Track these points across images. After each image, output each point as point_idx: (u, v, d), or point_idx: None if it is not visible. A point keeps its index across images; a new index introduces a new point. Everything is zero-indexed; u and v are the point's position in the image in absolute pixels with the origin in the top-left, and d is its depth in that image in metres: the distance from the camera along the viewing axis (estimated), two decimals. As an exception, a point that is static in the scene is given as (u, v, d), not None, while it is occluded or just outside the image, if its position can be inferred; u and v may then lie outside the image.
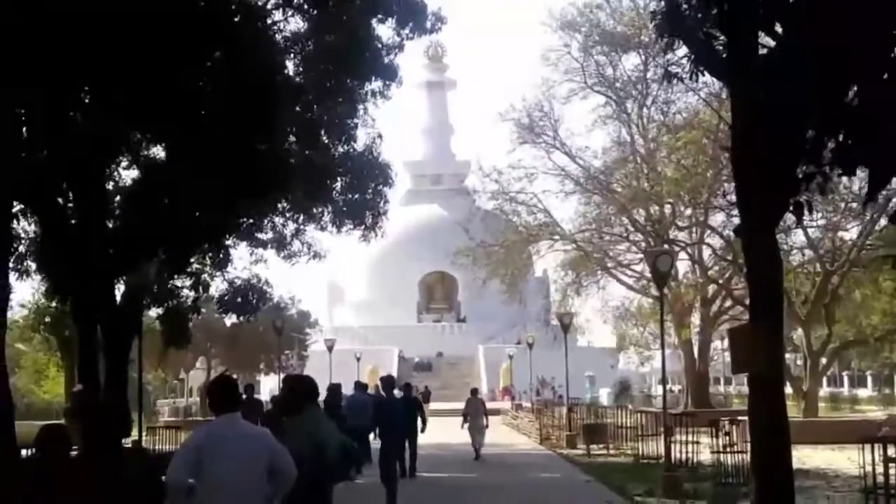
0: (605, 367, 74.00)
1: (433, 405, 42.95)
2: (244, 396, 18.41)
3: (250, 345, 55.55)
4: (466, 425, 25.16)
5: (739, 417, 19.74)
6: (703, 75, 9.23)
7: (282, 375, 52.32)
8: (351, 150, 19.04)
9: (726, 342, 45.42)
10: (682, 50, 9.29)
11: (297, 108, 17.09)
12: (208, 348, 60.04)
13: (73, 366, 29.90)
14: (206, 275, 19.20)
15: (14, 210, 15.83)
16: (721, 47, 8.84)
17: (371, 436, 18.45)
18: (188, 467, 5.96)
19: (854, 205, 33.72)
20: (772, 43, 8.71)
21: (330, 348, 61.78)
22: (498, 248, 42.68)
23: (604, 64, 41.66)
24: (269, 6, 16.83)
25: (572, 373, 37.05)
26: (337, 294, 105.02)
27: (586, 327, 55.69)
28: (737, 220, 10.77)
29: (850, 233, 36.14)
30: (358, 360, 67.56)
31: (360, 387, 23.30)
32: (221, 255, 18.72)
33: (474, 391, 26.56)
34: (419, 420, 19.85)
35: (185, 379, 67.41)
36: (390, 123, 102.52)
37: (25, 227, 17.86)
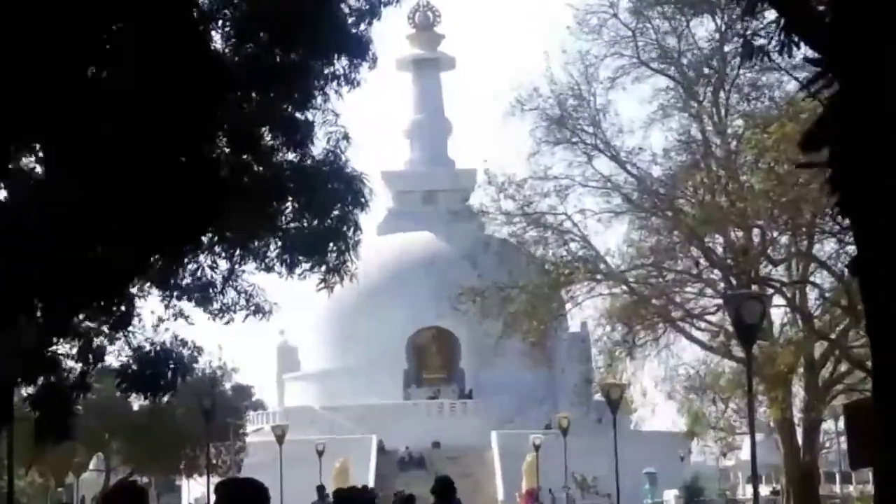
0: (672, 459, 73.88)
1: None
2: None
3: (166, 436, 55.36)
4: None
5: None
6: (799, 48, 9.21)
7: (214, 479, 52.16)
8: (306, 156, 19.01)
9: (842, 423, 45.36)
10: (770, 12, 9.29)
11: (227, 98, 17.10)
12: (106, 441, 59.86)
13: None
14: (101, 337, 19.13)
15: None
16: (824, 8, 8.84)
17: None
18: None
19: None
20: None
21: (280, 438, 61.66)
22: (517, 293, 42.67)
23: (665, 31, 41.81)
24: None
25: (625, 468, 36.94)
26: (290, 361, 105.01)
27: (643, 404, 55.50)
28: (852, 250, 10.76)
29: None
30: (320, 454, 67.36)
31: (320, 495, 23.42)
32: (123, 310, 18.66)
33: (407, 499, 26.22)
34: None
35: (73, 485, 67.17)
36: (362, 119, 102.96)
37: None
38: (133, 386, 19.70)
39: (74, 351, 19.03)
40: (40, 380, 18.95)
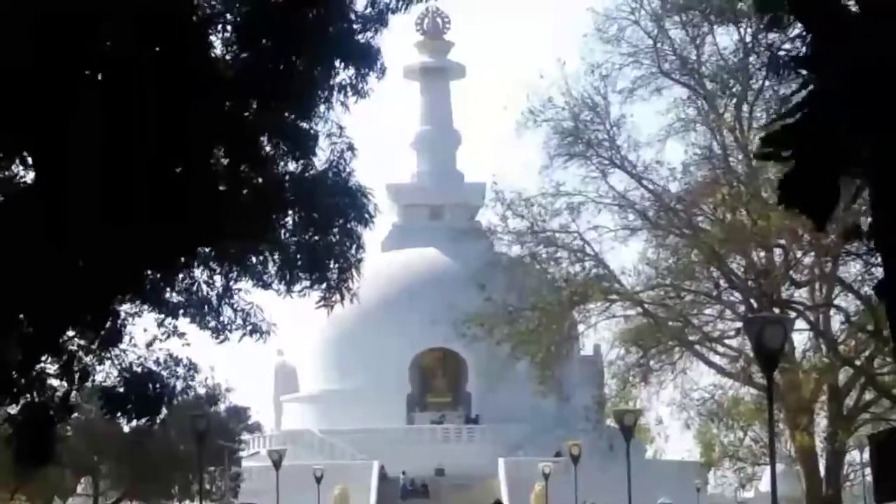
0: (688, 490, 73.65)
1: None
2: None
3: (158, 459, 55.29)
4: None
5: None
6: (829, 64, 9.22)
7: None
8: (308, 168, 19.00)
9: (867, 453, 45.18)
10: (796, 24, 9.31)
11: (227, 106, 17.12)
12: (95, 464, 59.81)
13: None
14: (90, 356, 19.08)
15: None
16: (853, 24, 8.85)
17: None
18: None
19: None
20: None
21: (277, 463, 61.56)
22: (528, 313, 42.65)
23: (686, 41, 41.83)
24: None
25: (639, 498, 36.78)
26: (288, 382, 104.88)
27: (658, 432, 55.50)
28: (879, 272, 10.74)
29: None
30: (318, 480, 67.31)
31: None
32: (112, 327, 18.63)
33: None
34: None
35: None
36: (367, 131, 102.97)
37: None
38: (117, 408, 19.64)
39: (60, 370, 18.99)
40: (24, 399, 18.94)
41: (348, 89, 18.16)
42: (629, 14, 41.64)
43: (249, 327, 20.10)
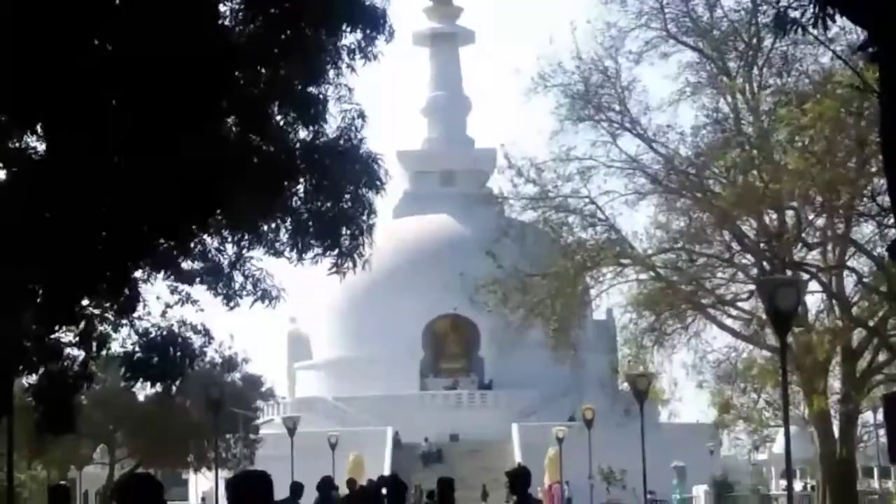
0: (701, 453, 73.87)
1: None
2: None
3: (173, 427, 55.50)
4: None
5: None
6: (835, 21, 9.16)
7: (222, 472, 52.24)
8: (318, 135, 19.01)
9: (881, 414, 45.19)
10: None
11: (237, 74, 17.12)
12: (111, 433, 60.06)
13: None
14: (105, 324, 19.15)
15: None
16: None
17: None
18: None
19: None
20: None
21: (291, 430, 61.81)
22: (540, 279, 42.65)
23: (694, 3, 41.75)
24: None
25: (652, 462, 36.87)
26: (301, 349, 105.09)
27: (672, 395, 55.51)
28: (892, 233, 10.74)
29: None
30: (333, 446, 67.54)
31: (327, 485, 23.76)
32: (128, 295, 18.68)
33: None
34: None
35: (76, 479, 67.44)
36: (377, 99, 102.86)
37: None
38: (138, 373, 19.75)
39: (77, 338, 19.06)
40: (42, 369, 19.01)
41: (356, 52, 18.17)
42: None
43: (260, 293, 20.18)
